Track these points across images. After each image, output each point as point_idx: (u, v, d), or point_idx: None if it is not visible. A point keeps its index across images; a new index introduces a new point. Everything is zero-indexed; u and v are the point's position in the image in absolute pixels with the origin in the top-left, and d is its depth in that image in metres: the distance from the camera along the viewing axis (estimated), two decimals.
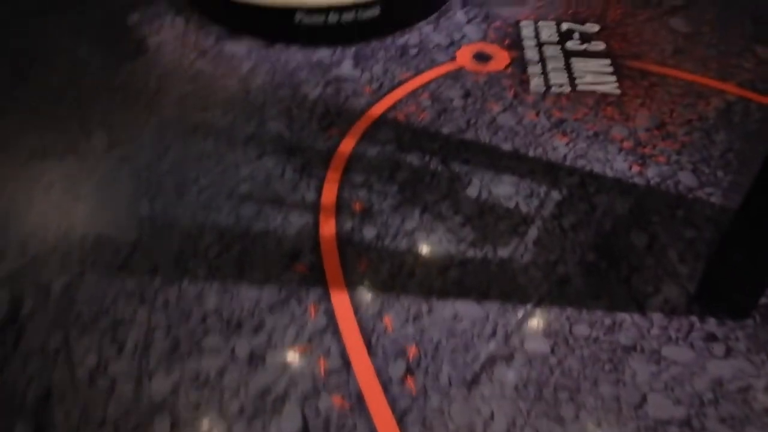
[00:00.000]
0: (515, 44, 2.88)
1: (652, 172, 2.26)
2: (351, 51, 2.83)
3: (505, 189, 2.20)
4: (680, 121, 2.47)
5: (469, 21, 3.03)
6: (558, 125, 2.46)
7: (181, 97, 2.56)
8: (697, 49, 2.85)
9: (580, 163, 2.30)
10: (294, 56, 2.80)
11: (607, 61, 2.77)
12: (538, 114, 2.51)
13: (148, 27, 2.95)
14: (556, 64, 2.76)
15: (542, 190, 2.20)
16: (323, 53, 2.82)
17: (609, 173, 2.26)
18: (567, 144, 2.37)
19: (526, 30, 2.97)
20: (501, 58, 2.79)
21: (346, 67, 2.74)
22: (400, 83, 2.65)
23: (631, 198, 2.17)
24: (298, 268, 1.94)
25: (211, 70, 2.71)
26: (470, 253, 2.00)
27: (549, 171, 2.27)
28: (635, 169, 2.27)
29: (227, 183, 2.21)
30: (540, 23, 3.01)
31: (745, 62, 2.76)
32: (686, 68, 2.73)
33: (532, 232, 2.06)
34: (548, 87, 2.64)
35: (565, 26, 2.99)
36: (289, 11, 2.80)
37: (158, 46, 2.84)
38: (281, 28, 2.85)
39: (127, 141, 2.37)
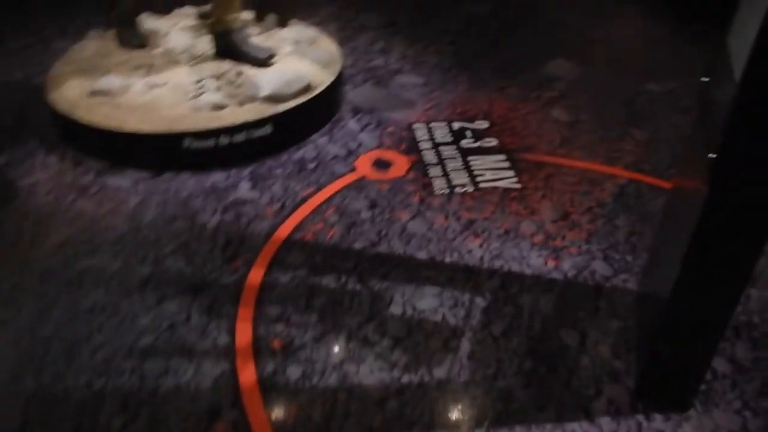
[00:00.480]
0: (412, 148, 2.89)
1: (567, 265, 2.27)
2: (246, 172, 2.72)
3: (428, 302, 2.12)
4: (582, 210, 2.54)
5: (362, 129, 3.03)
6: (468, 226, 2.45)
7: (63, 244, 2.30)
8: (581, 136, 3.00)
9: (497, 263, 2.28)
10: (186, 184, 2.64)
11: (503, 156, 2.84)
12: (447, 217, 2.49)
13: (18, 169, 2.69)
14: (455, 164, 2.79)
15: (466, 298, 2.14)
16: (217, 177, 2.68)
17: (527, 271, 2.25)
18: (481, 245, 2.35)
19: (420, 132, 3.01)
20: (401, 164, 2.79)
21: (244, 189, 2.62)
22: (303, 200, 2.56)
23: (553, 294, 2.16)
24: (219, 428, 1.71)
25: (93, 208, 2.48)
26: (405, 378, 1.87)
27: (469, 276, 2.22)
28: (551, 263, 2.28)
29: (125, 338, 1.96)
30: (432, 125, 3.06)
31: (626, 145, 2.94)
32: (575, 156, 2.86)
33: (465, 346, 1.97)
34: (452, 188, 2.65)
35: (456, 125, 3.06)
36: (176, 137, 2.66)
37: (31, 188, 2.58)
38: (169, 155, 2.69)
39: (1, 303, 2.07)
